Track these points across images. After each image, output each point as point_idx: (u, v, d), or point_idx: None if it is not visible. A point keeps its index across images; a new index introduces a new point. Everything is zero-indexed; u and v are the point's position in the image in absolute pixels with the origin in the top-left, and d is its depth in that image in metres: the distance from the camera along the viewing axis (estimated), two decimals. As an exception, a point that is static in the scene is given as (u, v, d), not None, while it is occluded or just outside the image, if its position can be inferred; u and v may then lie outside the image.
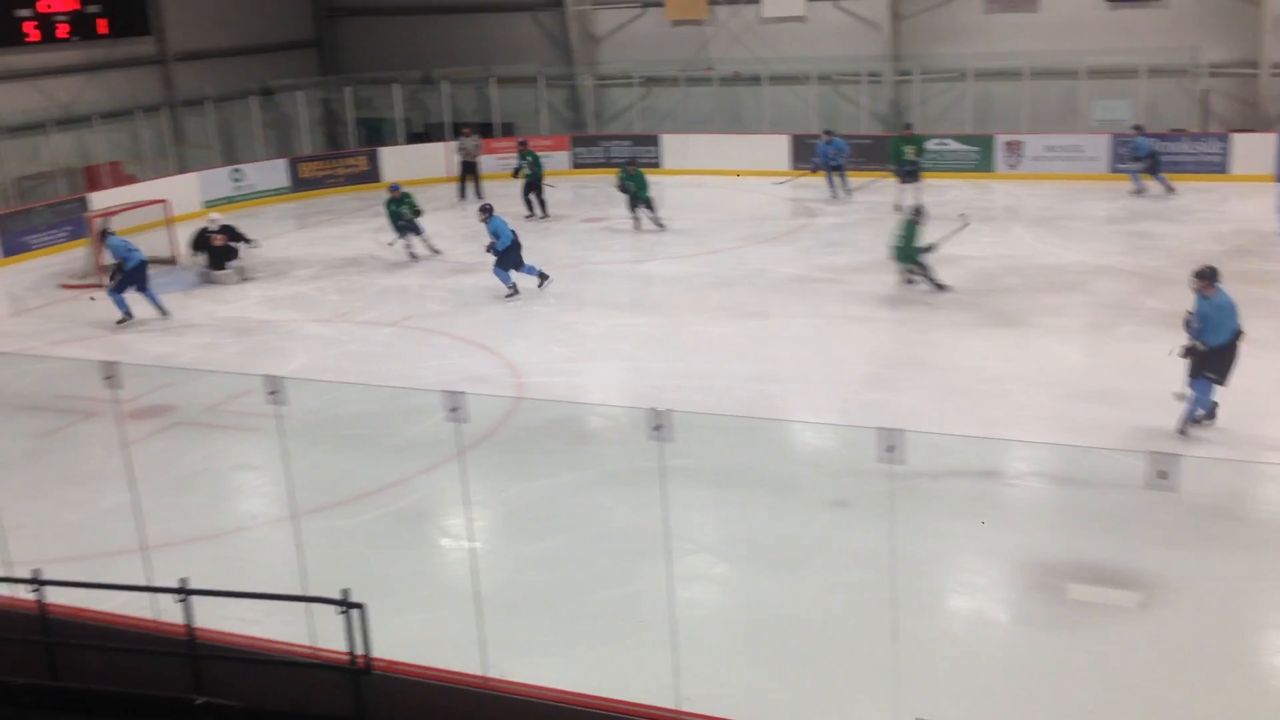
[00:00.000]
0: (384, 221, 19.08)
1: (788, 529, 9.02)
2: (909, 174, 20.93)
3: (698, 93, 27.13)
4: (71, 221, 20.61)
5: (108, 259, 16.38)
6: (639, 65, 27.55)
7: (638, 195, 20.18)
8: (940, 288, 15.26)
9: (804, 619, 7.89)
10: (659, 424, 6.31)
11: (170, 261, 18.78)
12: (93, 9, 24.30)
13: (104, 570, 8.29)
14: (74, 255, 19.57)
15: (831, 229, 19.96)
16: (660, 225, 20.26)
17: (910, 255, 15.34)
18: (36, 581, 7.23)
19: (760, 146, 25.45)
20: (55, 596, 7.39)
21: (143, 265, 15.67)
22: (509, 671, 6.78)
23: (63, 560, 8.30)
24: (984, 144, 23.84)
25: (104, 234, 16.39)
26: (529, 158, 21.91)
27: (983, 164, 23.80)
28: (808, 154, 25.08)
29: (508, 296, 16.11)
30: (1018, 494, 9.87)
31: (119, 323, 15.49)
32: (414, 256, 18.76)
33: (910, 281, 15.48)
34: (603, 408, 11.88)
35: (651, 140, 26.51)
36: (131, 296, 15.64)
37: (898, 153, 21.16)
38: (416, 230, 18.88)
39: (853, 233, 19.51)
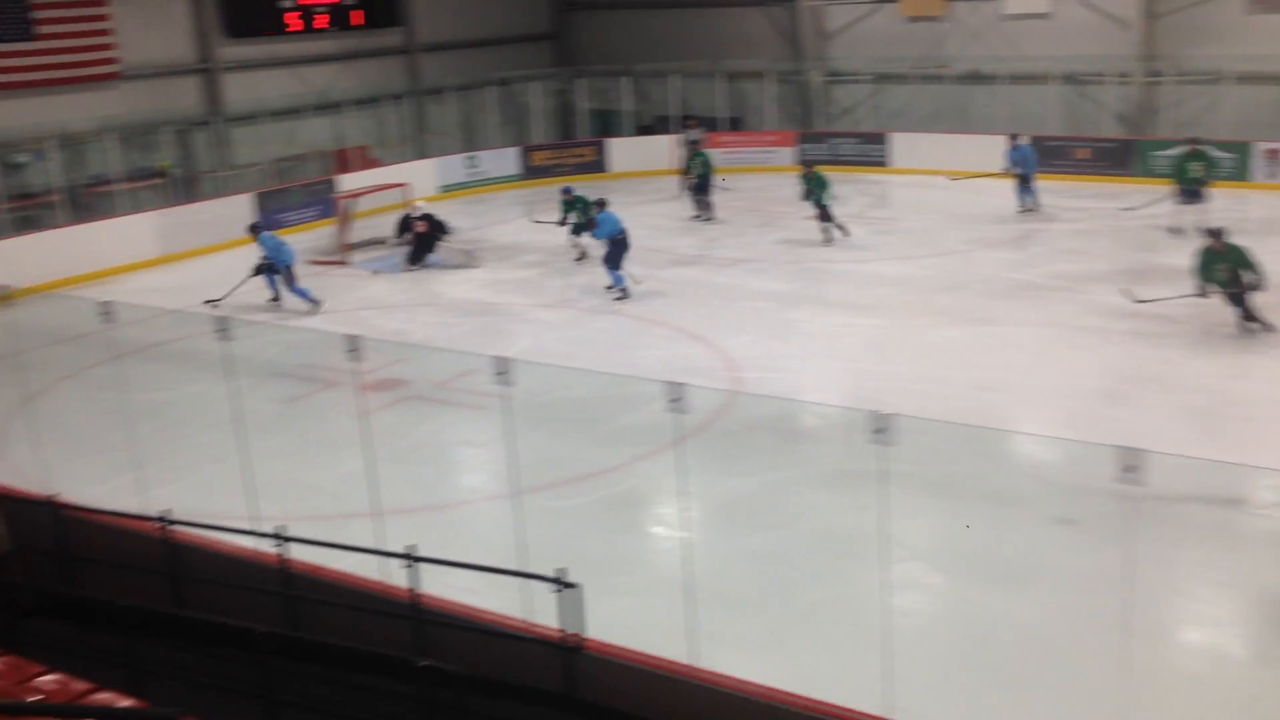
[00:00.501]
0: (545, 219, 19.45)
1: (1008, 543, 8.73)
2: (1192, 193, 18.44)
3: (930, 91, 26.48)
4: (321, 201, 21.91)
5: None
6: (870, 62, 27.09)
7: (819, 201, 19.27)
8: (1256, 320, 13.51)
9: (1022, 638, 7.62)
10: (882, 427, 6.21)
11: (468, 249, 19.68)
12: (349, 1, 25.72)
13: (339, 531, 8.79)
14: (322, 233, 20.76)
15: (1067, 235, 19.13)
16: (842, 232, 19.25)
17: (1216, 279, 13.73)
18: (280, 537, 7.73)
19: (994, 148, 24.55)
20: (295, 553, 7.88)
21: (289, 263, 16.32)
22: (716, 662, 6.83)
23: (303, 519, 8.81)
24: (1240, 151, 22.35)
25: (254, 228, 17.00)
26: (700, 158, 21.60)
27: (1238, 172, 22.32)
28: (1044, 157, 24.15)
29: (609, 290, 16.34)
30: (1265, 525, 9.24)
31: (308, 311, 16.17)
32: (583, 255, 18.38)
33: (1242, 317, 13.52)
34: (820, 407, 11.76)
35: (879, 138, 26.05)
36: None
37: (1181, 170, 18.78)
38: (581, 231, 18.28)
39: (1089, 240, 18.65)
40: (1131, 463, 5.66)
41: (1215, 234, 13.93)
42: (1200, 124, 23.46)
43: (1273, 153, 22.08)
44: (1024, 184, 20.94)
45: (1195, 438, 10.36)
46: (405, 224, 18.94)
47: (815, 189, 19.28)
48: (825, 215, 19.19)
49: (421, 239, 18.66)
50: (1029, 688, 7.08)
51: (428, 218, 18.85)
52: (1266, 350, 12.95)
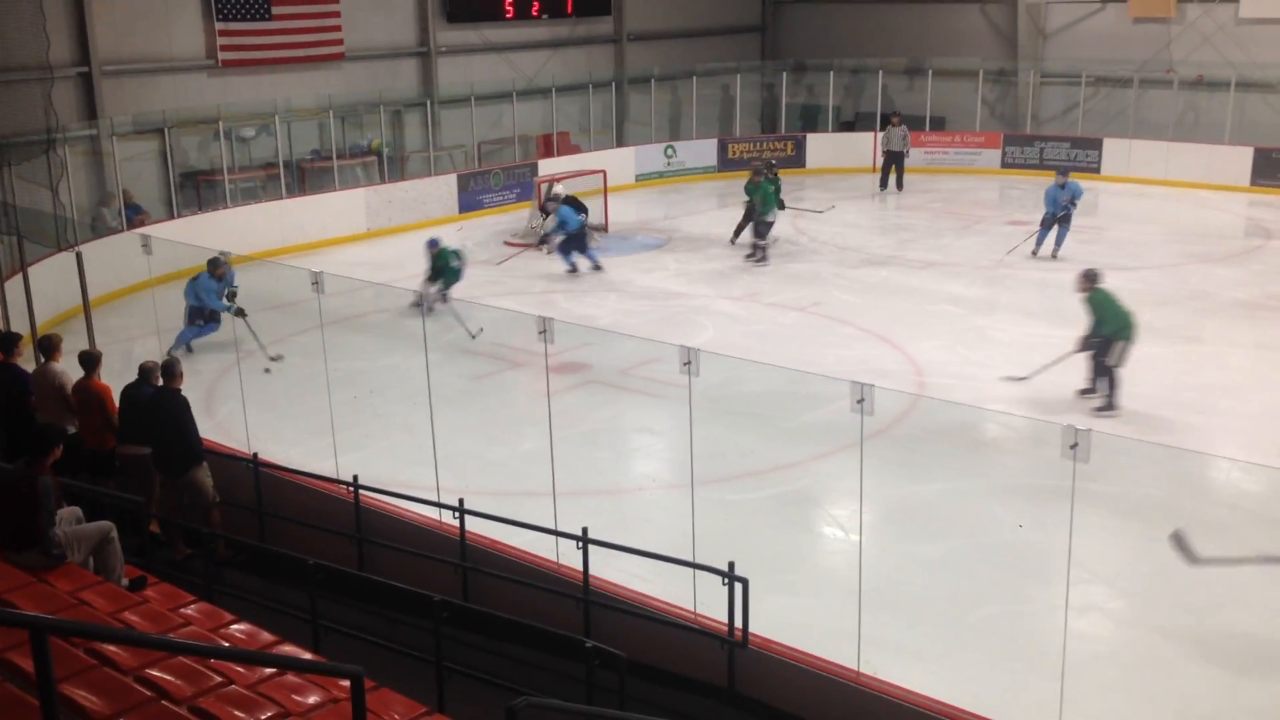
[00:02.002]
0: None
1: (1201, 574, 8.27)
2: None
3: (1152, 96, 25.22)
4: (520, 184, 22.48)
5: (550, 225, 17.73)
6: (1087, 64, 26.00)
7: (763, 213, 17.50)
8: None
9: (1209, 674, 7.24)
10: (1076, 443, 6.00)
11: (603, 229, 19.93)
12: (563, -10, 26.30)
13: (517, 508, 9.01)
14: (519, 216, 21.31)
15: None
16: (760, 257, 17.41)
17: None
18: (460, 509, 8.00)
19: (1217, 158, 23.31)
20: (473, 525, 8.14)
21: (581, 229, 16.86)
22: (881, 669, 6.73)
23: (483, 494, 9.10)
24: None
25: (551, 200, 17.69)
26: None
27: None
28: (1272, 170, 22.73)
29: (568, 272, 17.27)
30: None
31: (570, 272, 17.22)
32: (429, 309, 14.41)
33: None
34: (1006, 417, 11.40)
35: (1094, 143, 25.01)
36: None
37: None
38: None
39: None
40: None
41: None
42: None
43: None
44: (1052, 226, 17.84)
45: None
46: (545, 208, 19.11)
47: (764, 199, 17.74)
48: (760, 229, 17.63)
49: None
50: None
51: (572, 200, 18.96)
52: None
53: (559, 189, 19.59)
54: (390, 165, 22.03)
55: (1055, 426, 6.06)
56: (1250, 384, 12.30)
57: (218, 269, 13.45)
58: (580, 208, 18.76)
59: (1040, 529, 8.85)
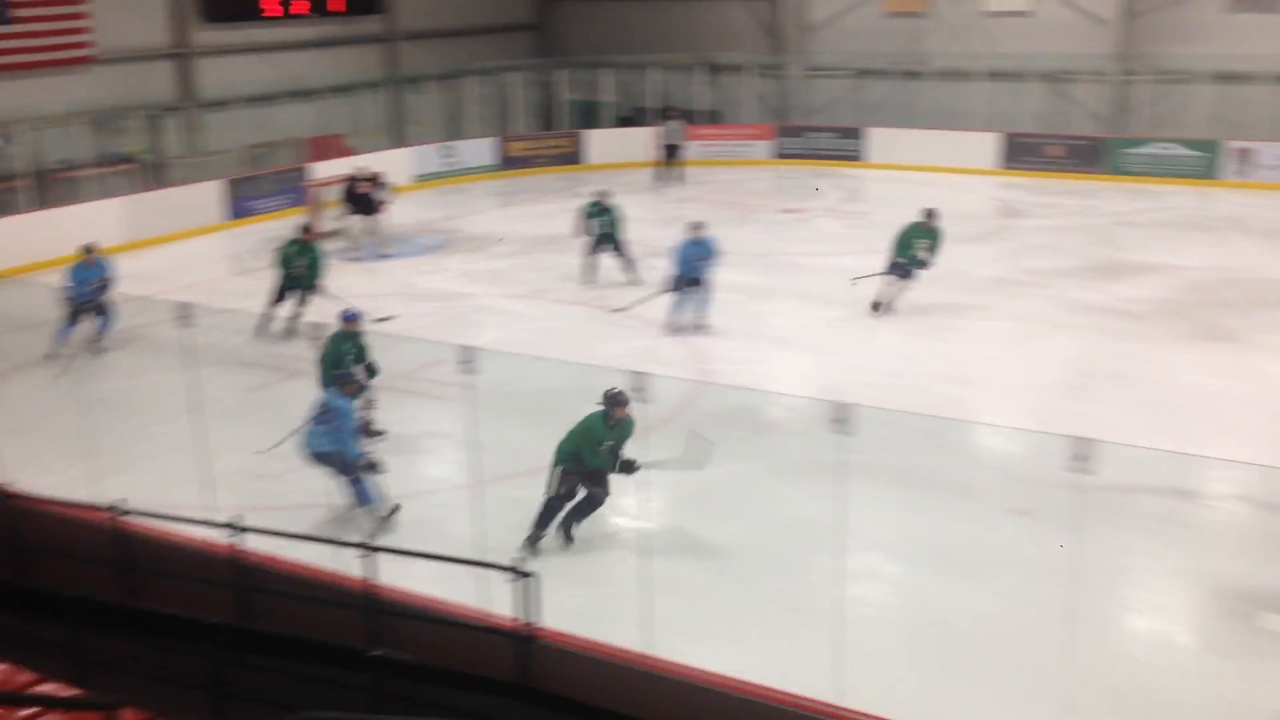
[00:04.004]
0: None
1: (965, 534, 8.77)
2: None
3: (908, 86, 26.54)
4: (293, 189, 21.78)
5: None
6: (850, 57, 27.14)
7: (604, 236, 16.40)
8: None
9: (975, 626, 7.67)
10: (841, 417, 6.24)
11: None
12: (329, -13, 25.62)
13: (300, 521, 8.77)
14: (292, 222, 20.60)
15: (1036, 231, 19.23)
16: (634, 277, 16.17)
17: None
18: (233, 527, 7.68)
19: (969, 144, 24.72)
20: (251, 544, 7.84)
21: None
22: (672, 651, 6.83)
23: (261, 509, 8.78)
24: (1210, 149, 22.50)
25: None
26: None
27: (1207, 171, 22.48)
28: (1017, 153, 24.25)
29: None
30: (1215, 515, 9.33)
31: None
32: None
33: None
34: (785, 398, 11.79)
35: (857, 133, 26.11)
36: None
37: None
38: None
39: (1058, 236, 18.75)
40: (1082, 453, 5.71)
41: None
42: (1171, 122, 23.65)
43: (1244, 152, 22.21)
44: None
45: (1150, 430, 10.45)
46: (349, 191, 18.66)
47: (611, 224, 16.53)
48: (619, 249, 16.55)
49: (361, 201, 18.44)
50: (979, 675, 7.14)
51: (374, 179, 18.67)
52: (1222, 345, 13.05)
53: (366, 166, 19.17)
54: (151, 173, 20.99)
55: (824, 404, 6.27)
56: (1006, 355, 13.08)
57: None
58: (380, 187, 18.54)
59: (820, 502, 9.15)
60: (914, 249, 14.28)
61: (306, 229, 14.66)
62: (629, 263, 16.41)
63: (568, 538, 8.93)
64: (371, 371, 10.74)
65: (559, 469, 8.84)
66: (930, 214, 14.42)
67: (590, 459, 8.74)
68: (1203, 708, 6.73)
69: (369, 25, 26.94)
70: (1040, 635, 7.09)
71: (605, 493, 8.87)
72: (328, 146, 23.90)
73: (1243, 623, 7.62)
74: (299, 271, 14.07)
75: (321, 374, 10.67)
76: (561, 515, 8.93)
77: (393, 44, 27.45)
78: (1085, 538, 6.69)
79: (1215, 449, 10.00)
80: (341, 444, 9.04)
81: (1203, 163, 22.55)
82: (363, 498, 9.13)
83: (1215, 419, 10.91)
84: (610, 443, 8.69)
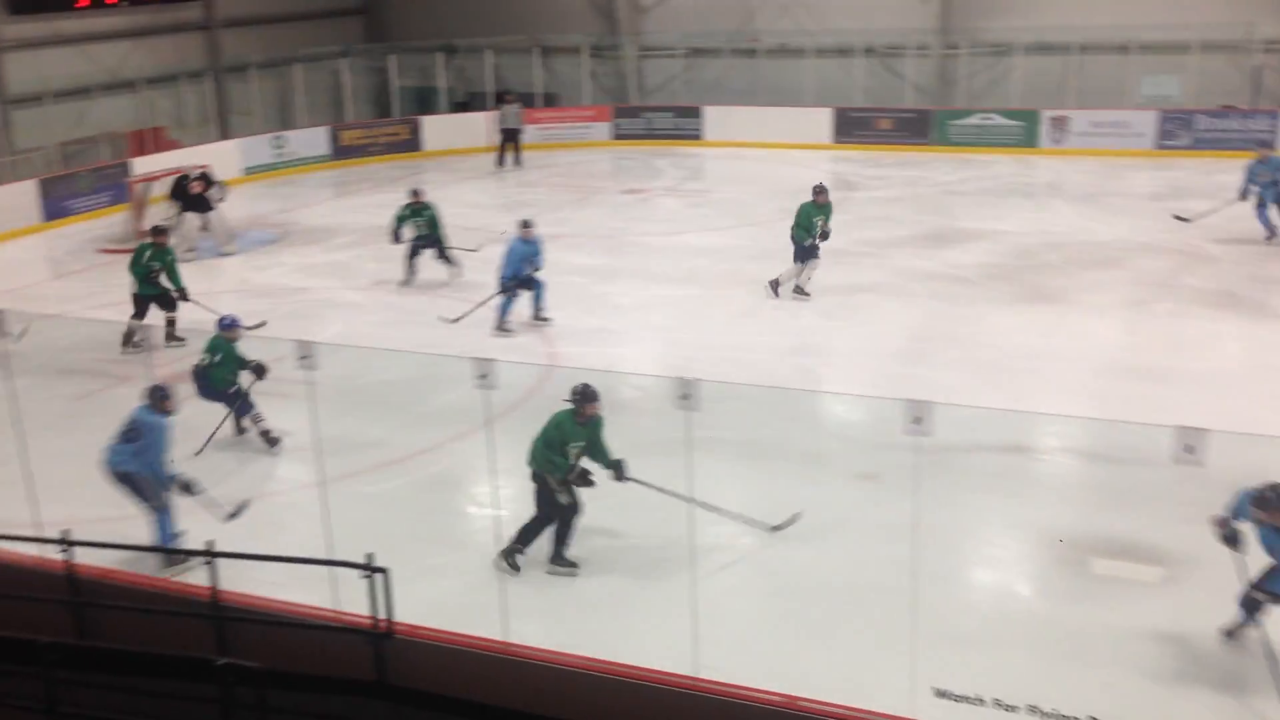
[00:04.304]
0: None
1: (815, 501, 8.96)
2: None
3: (742, 64, 26.91)
4: (114, 186, 20.81)
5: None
6: (684, 36, 27.36)
7: (423, 237, 15.51)
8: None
9: (828, 590, 7.87)
10: (685, 393, 6.30)
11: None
12: (140, -25, 24.51)
13: (134, 532, 8.41)
14: (115, 220, 19.77)
15: (870, 203, 19.75)
16: (456, 276, 15.57)
17: None
18: (65, 542, 7.34)
19: (803, 119, 25.22)
20: (84, 557, 7.50)
21: None
22: (530, 637, 6.82)
23: (94, 522, 8.40)
24: (1029, 119, 23.48)
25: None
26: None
27: (1027, 139, 23.46)
28: (849, 128, 24.85)
29: None
30: (1046, 469, 9.77)
31: None
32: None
33: None
34: (635, 377, 11.84)
35: (694, 112, 26.36)
36: None
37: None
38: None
39: (891, 208, 19.31)
40: (917, 415, 5.89)
41: None
42: (992, 94, 24.60)
43: (1058, 120, 23.23)
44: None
45: (985, 389, 10.87)
46: (180, 187, 18.01)
47: (429, 225, 15.60)
48: (441, 248, 15.76)
49: (194, 201, 17.85)
50: (831, 636, 7.31)
51: (204, 178, 18.07)
52: (1047, 306, 13.66)
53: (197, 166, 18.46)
54: (-42, 174, 19.84)
55: (672, 381, 6.31)
56: (847, 325, 13.42)
57: None
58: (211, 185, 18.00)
59: (672, 478, 9.24)
60: (814, 228, 14.32)
61: (158, 230, 13.96)
62: (451, 263, 15.66)
63: (566, 563, 8.24)
64: (260, 373, 10.48)
65: (549, 476, 8.14)
66: (819, 190, 14.58)
67: (557, 463, 8.08)
68: (1044, 652, 7.04)
69: (187, 12, 25.88)
70: (890, 593, 7.30)
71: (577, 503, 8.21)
72: (150, 140, 22.94)
73: (1076, 569, 8.00)
74: (156, 278, 13.43)
75: (198, 385, 10.53)
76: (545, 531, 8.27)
77: (212, 31, 26.46)
78: (927, 497, 6.91)
79: (1044, 405, 10.48)
80: (149, 466, 8.37)
81: (1022, 132, 23.50)
82: (159, 532, 8.47)
83: (1043, 376, 11.41)
84: (579, 445, 8.08)
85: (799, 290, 14.42)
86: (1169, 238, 16.43)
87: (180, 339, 13.28)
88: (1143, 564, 7.81)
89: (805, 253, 14.41)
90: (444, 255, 15.75)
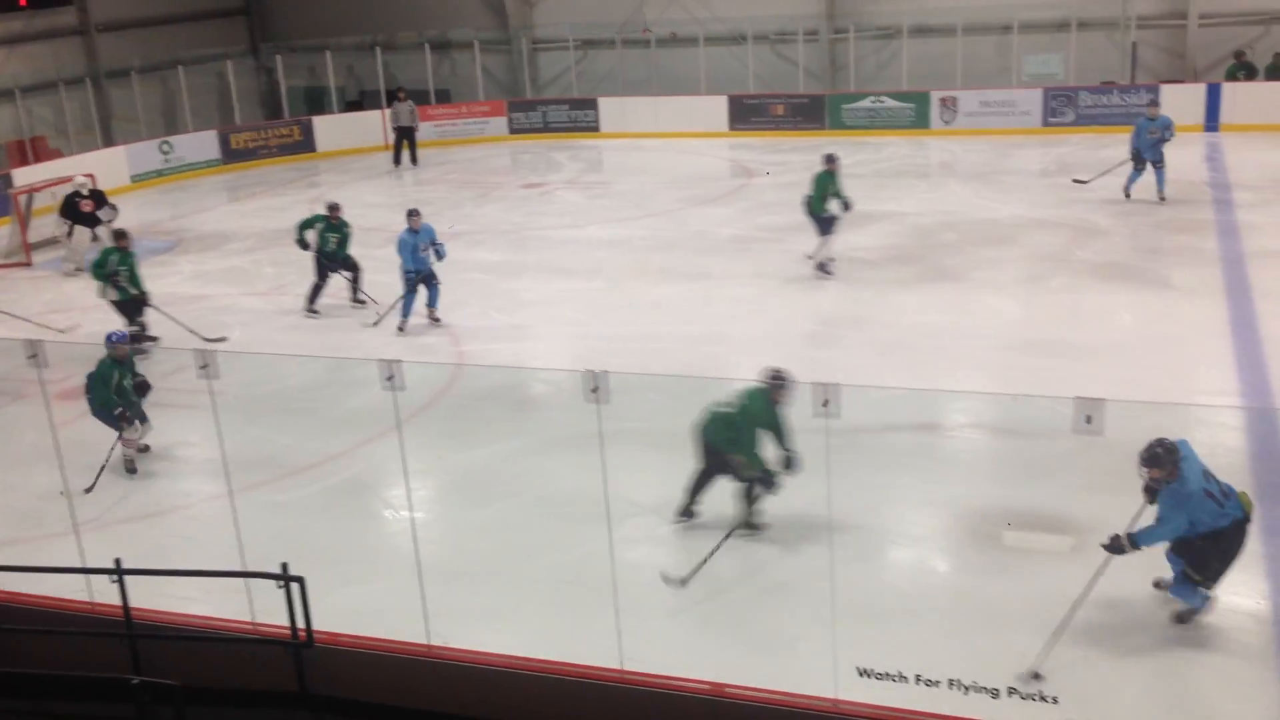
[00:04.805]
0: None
1: (728, 487, 9.03)
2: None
3: (634, 55, 26.95)
4: (-4, 199, 20.11)
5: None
6: (575, 28, 27.30)
7: (334, 254, 14.42)
8: None
9: (744, 577, 7.94)
10: (596, 386, 6.30)
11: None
12: (11, -20, 23.69)
13: (38, 554, 8.16)
14: (-1, 233, 19.10)
15: (769, 189, 19.96)
16: (360, 300, 14.49)
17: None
18: (-34, 566, 7.10)
19: (698, 108, 25.37)
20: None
21: None
22: (453, 639, 6.78)
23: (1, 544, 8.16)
24: (920, 101, 23.93)
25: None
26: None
27: (919, 121, 23.90)
28: (745, 115, 25.07)
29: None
30: (955, 445, 9.99)
31: None
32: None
33: None
34: (544, 372, 11.82)
35: (590, 104, 26.34)
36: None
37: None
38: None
39: (789, 193, 19.44)
40: (826, 397, 5.97)
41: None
42: (882, 77, 25.00)
43: (947, 101, 23.72)
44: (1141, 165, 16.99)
45: (892, 369, 11.06)
46: (69, 205, 17.47)
47: (340, 243, 14.52)
48: (350, 269, 14.62)
49: (86, 220, 17.36)
50: (752, 622, 7.39)
51: (95, 195, 17.58)
52: (947, 284, 13.96)
53: (83, 179, 17.88)
54: None
55: (581, 374, 6.31)
56: (753, 310, 13.54)
57: None
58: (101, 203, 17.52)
59: (587, 473, 9.24)
60: (834, 197, 14.48)
61: (121, 234, 13.48)
62: (356, 286, 14.60)
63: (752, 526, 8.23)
64: (144, 390, 10.11)
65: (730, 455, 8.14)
66: (831, 158, 14.71)
67: (741, 443, 8.07)
68: (962, 625, 7.20)
69: (59, 19, 25.08)
70: (808, 575, 7.41)
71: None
72: (28, 150, 22.20)
73: (988, 542, 8.20)
74: (119, 281, 13.02)
75: (93, 404, 9.99)
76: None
77: (88, 36, 25.68)
78: (840, 479, 7.02)
79: (950, 382, 10.70)
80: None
81: (913, 113, 23.95)
82: None
83: (947, 354, 11.64)
84: (765, 429, 8.03)
85: (822, 268, 14.52)
86: (1061, 213, 16.90)
87: (153, 338, 13.17)
88: (1052, 534, 8.03)
89: (825, 224, 14.56)
90: (354, 288, 14.63)
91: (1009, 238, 15.80)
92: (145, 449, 10.39)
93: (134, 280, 13.20)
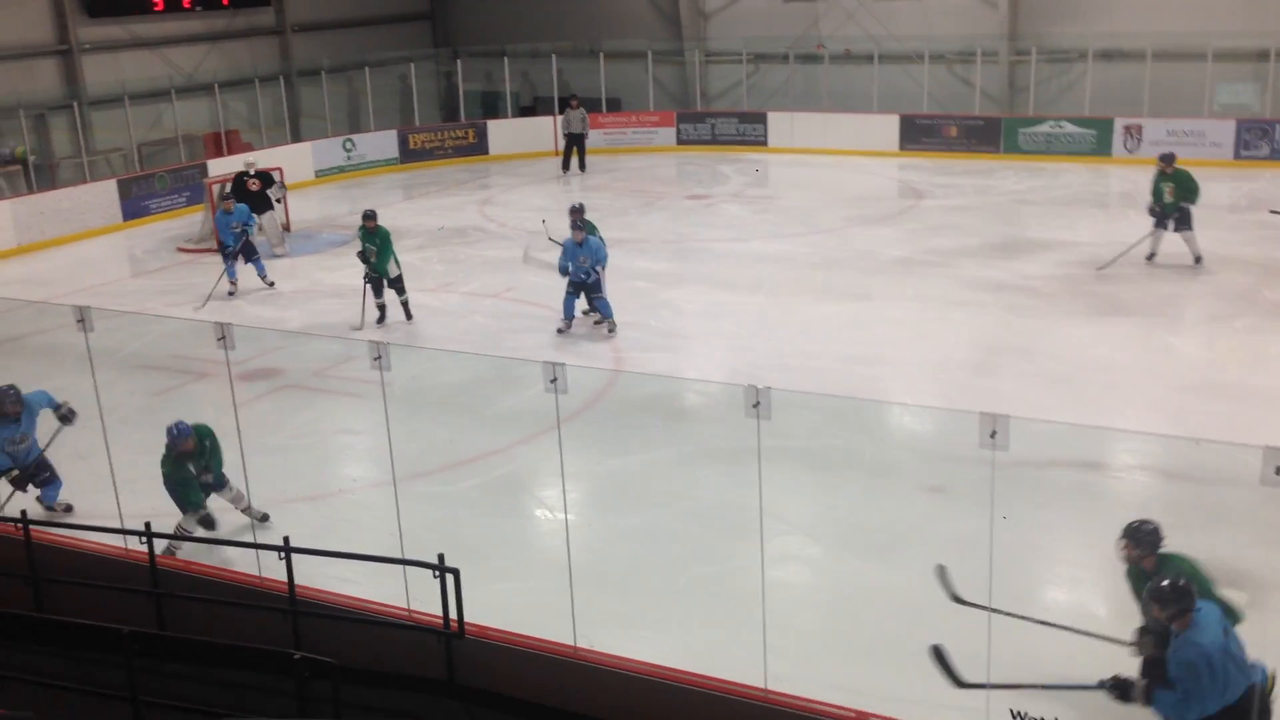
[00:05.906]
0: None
1: (883, 513, 8.91)
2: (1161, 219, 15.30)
3: (807, 70, 26.81)
4: (190, 187, 21.27)
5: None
6: (748, 42, 27.33)
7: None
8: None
9: (897, 605, 7.79)
10: (757, 401, 6.27)
11: (285, 228, 19.17)
12: (216, -20, 25.02)
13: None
14: (192, 220, 20.17)
15: (938, 211, 19.58)
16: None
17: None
18: (146, 534, 7.50)
19: (869, 126, 25.08)
20: (164, 549, 7.66)
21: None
22: (598, 642, 6.84)
23: (173, 515, 8.58)
24: (1102, 127, 23.14)
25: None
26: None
27: (1100, 148, 23.11)
28: (916, 135, 24.67)
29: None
30: (1123, 486, 9.60)
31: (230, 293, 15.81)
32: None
33: None
34: (700, 384, 11.84)
35: (759, 118, 26.31)
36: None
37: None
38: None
39: (959, 216, 19.12)
40: (993, 429, 5.82)
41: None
42: (1063, 101, 24.25)
43: (1131, 128, 22.87)
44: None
45: (1059, 404, 10.70)
46: (239, 185, 18.21)
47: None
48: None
49: (254, 200, 18.08)
50: (900, 652, 7.24)
51: (263, 175, 18.34)
52: (1121, 318, 13.45)
53: (254, 160, 18.72)
54: (39, 174, 20.31)
55: (739, 388, 6.28)
56: (916, 334, 13.29)
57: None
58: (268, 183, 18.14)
59: (739, 487, 9.23)
60: (1163, 196, 14.99)
61: (368, 215, 14.20)
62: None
63: None
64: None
65: None
66: (1166, 159, 15.21)
67: None
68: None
69: (259, 18, 26.38)
70: (959, 611, 7.22)
71: None
72: (224, 143, 23.37)
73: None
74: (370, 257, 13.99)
75: (176, 498, 8.71)
76: None
77: (284, 36, 26.91)
78: (999, 513, 6.82)
79: (1121, 421, 10.30)
80: None
81: (1094, 140, 23.17)
82: None
83: (1118, 391, 11.21)
84: None
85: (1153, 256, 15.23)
86: (1249, 251, 16.09)
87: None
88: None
89: (1159, 219, 15.24)
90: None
91: (1192, 273, 15.12)
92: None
93: (382, 259, 13.93)
